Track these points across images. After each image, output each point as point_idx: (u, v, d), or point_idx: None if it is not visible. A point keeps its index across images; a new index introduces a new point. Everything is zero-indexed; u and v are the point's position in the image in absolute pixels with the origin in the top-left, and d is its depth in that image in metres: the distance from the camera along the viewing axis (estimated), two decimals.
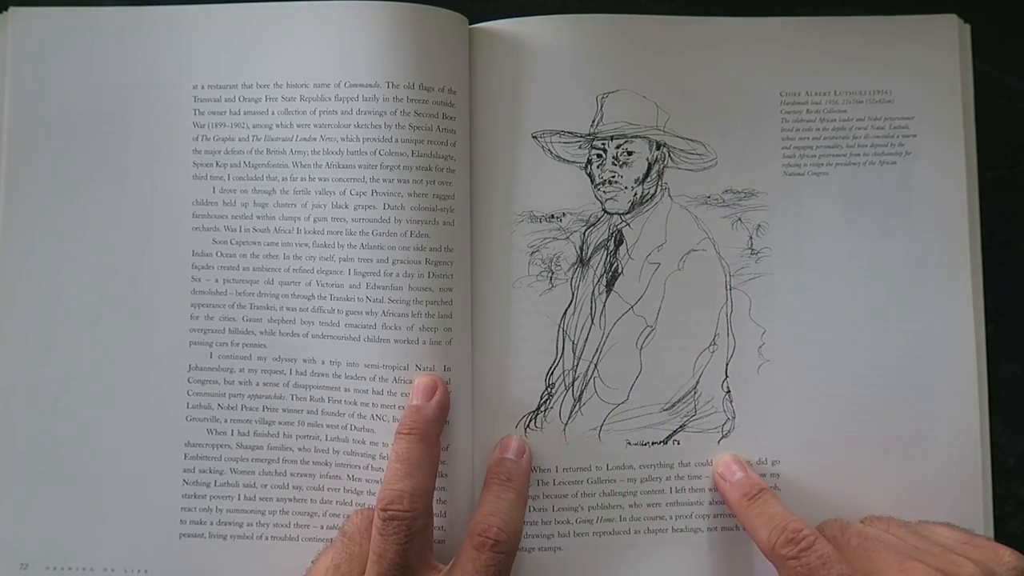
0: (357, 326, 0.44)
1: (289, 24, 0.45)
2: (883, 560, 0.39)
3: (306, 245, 0.44)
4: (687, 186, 0.46)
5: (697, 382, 0.46)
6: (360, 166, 0.44)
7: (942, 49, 0.47)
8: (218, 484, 0.45)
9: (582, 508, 0.45)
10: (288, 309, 0.45)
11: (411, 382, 0.43)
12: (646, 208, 0.46)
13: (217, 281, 0.45)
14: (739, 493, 0.44)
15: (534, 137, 0.46)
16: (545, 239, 0.46)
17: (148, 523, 0.45)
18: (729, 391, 0.46)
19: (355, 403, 0.44)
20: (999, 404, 0.47)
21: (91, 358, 0.45)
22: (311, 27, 0.45)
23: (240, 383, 0.45)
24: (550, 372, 0.46)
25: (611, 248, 0.46)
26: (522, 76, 0.46)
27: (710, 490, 0.46)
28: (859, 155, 0.47)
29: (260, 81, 0.45)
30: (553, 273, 0.46)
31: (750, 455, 0.46)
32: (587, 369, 0.46)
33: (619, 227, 0.46)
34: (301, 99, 0.45)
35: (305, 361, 0.45)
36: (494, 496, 0.42)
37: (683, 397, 0.46)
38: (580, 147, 0.46)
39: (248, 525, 0.45)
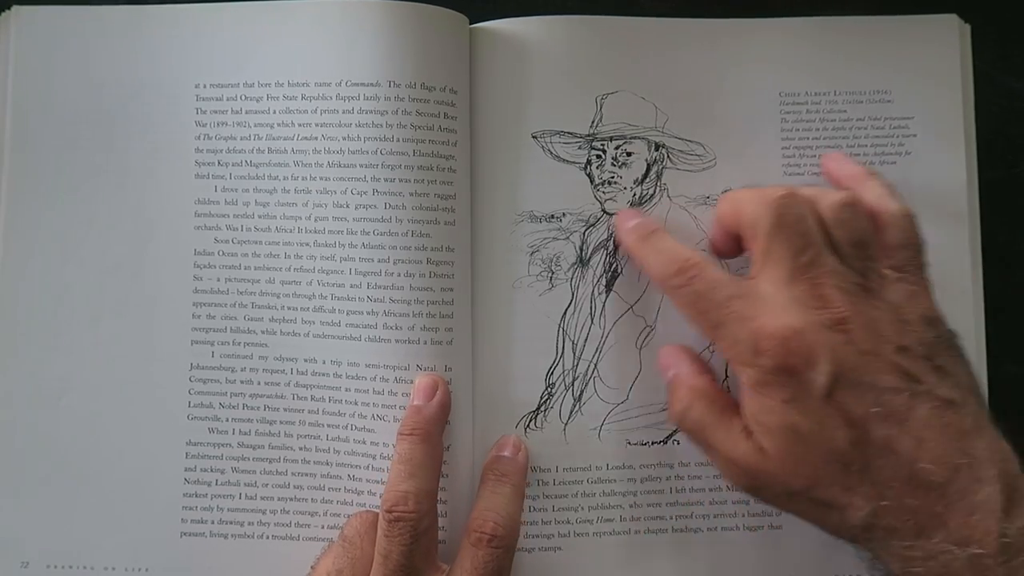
0: (358, 326, 0.44)
1: (290, 23, 0.45)
2: None
3: (307, 244, 0.45)
4: (686, 187, 0.46)
5: None
6: (361, 165, 0.44)
7: (942, 49, 0.47)
8: (219, 483, 0.45)
9: (582, 508, 0.45)
10: (289, 308, 0.45)
11: (412, 382, 0.43)
12: (645, 208, 0.46)
13: (219, 280, 0.45)
14: (634, 236, 0.43)
15: (534, 137, 0.46)
16: (545, 239, 0.46)
17: (149, 522, 0.45)
18: (729, 391, 0.46)
19: (356, 403, 0.44)
20: (999, 404, 0.47)
21: (93, 357, 0.45)
22: (312, 26, 0.45)
23: (241, 382, 0.45)
24: (550, 372, 0.46)
25: (611, 248, 0.46)
26: (522, 76, 0.46)
27: (710, 490, 0.46)
28: (859, 155, 0.47)
29: (262, 80, 0.45)
30: (553, 273, 0.46)
31: None
32: (587, 369, 0.46)
33: None
34: (302, 98, 0.45)
35: (306, 361, 0.45)
36: (489, 492, 0.42)
37: None
38: (580, 148, 0.46)
39: (249, 524, 0.45)
